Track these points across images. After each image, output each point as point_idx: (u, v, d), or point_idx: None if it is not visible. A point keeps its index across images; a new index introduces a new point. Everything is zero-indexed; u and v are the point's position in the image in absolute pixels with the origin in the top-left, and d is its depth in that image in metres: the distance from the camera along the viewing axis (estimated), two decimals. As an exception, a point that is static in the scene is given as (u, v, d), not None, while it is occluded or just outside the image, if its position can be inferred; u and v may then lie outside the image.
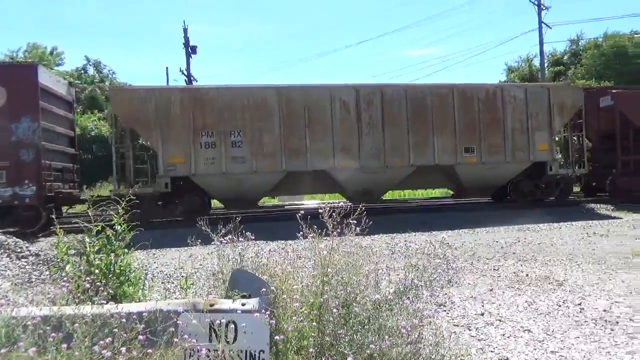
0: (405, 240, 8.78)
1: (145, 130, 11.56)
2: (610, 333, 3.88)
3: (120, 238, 3.32)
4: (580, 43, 36.53)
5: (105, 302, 2.73)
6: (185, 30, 23.68)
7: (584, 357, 3.40)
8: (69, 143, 12.99)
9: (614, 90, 15.11)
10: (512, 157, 13.19)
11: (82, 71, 39.56)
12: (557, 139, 14.21)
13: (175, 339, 2.45)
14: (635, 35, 33.48)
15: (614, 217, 11.77)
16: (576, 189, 16.02)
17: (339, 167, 12.24)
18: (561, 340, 3.73)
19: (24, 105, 10.70)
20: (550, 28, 30.02)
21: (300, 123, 12.06)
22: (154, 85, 12.10)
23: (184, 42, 23.78)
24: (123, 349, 2.27)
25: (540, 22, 27.98)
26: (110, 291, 3.01)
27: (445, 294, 5.10)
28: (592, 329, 3.98)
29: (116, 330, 2.43)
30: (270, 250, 4.84)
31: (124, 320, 2.51)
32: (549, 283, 5.56)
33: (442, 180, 14.10)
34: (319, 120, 12.18)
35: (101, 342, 2.26)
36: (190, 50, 23.69)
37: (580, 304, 4.68)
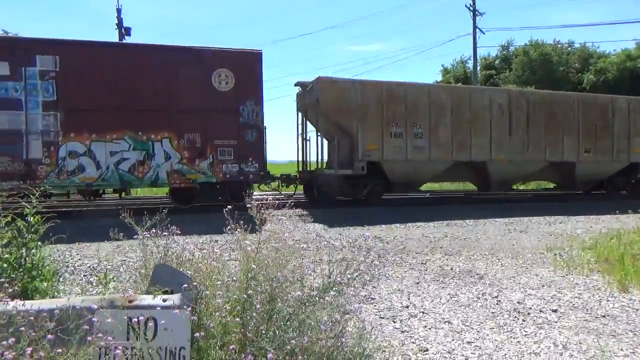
0: (340, 235, 8.91)
1: (347, 119, 12.85)
2: (522, 324, 4.16)
3: (33, 230, 3.11)
4: (510, 49, 38.54)
5: (9, 299, 2.54)
6: (119, 11, 22.52)
7: (497, 346, 3.61)
8: None
9: None
10: (617, 157, 15.88)
11: None
12: None
13: (89, 338, 2.33)
14: (558, 45, 35.82)
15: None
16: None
17: (494, 160, 14.26)
18: (477, 331, 3.94)
19: (249, 89, 11.58)
20: (484, 33, 31.43)
21: (466, 120, 13.96)
22: (356, 78, 13.57)
23: (117, 22, 22.59)
24: (28, 350, 2.13)
25: (475, 27, 29.21)
26: (19, 286, 2.81)
27: (374, 287, 5.24)
28: (506, 320, 4.24)
29: (22, 329, 2.28)
30: (198, 244, 4.75)
31: (32, 318, 2.35)
32: (471, 276, 5.86)
33: (557, 175, 16.28)
34: (480, 119, 14.13)
35: (3, 342, 2.11)
36: (124, 31, 22.53)
37: (497, 297, 4.96)
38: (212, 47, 11.69)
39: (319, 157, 14.15)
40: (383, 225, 10.23)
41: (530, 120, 14.66)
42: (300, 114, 14.65)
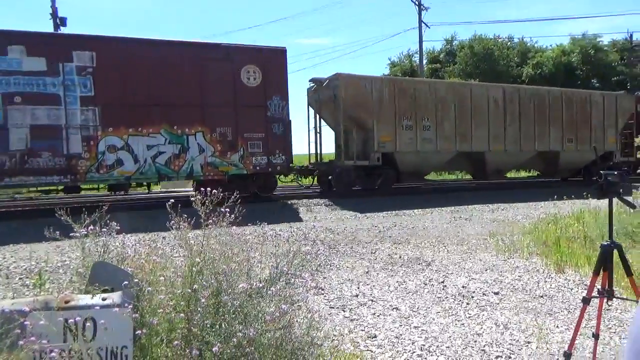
0: (290, 227, 8.89)
1: (365, 113, 13.60)
2: (466, 307, 4.31)
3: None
4: (454, 43, 39.73)
5: None
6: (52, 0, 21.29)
7: (442, 329, 3.73)
8: None
9: None
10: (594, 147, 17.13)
11: None
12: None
13: (21, 342, 2.20)
14: (499, 40, 37.30)
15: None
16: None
17: (491, 150, 15.41)
18: (424, 316, 4.05)
19: (275, 84, 12.07)
20: (429, 27, 32.25)
21: (467, 113, 14.95)
22: (372, 75, 14.43)
23: (51, 12, 21.35)
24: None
25: (420, 21, 29.84)
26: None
27: (325, 277, 5.27)
28: (451, 304, 4.38)
29: (-55, 336, 2.12)
30: (143, 240, 4.59)
31: (-45, 324, 2.19)
32: (419, 264, 6.01)
33: (543, 164, 17.46)
34: (479, 112, 15.13)
35: None
36: (59, 22, 21.33)
37: (443, 282, 5.12)
38: (240, 45, 12.11)
39: (339, 150, 14.67)
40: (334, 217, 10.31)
41: (522, 114, 15.84)
42: (312, 109, 15.29)
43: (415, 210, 11.19)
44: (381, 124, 13.70)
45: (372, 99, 13.60)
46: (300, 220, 10.27)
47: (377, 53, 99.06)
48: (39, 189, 11.05)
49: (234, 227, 3.05)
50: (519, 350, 3.36)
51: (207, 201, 2.94)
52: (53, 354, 2.25)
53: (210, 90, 11.42)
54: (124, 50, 10.76)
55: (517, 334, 3.65)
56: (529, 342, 3.48)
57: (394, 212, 11.03)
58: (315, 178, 15.19)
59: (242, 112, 11.70)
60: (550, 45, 37.11)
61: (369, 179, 14.05)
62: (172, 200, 2.95)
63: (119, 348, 2.43)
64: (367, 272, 5.57)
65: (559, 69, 32.70)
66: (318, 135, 15.17)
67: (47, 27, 22.67)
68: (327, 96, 14.04)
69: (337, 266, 5.88)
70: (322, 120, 15.10)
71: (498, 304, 4.39)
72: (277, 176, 13.19)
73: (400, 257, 6.40)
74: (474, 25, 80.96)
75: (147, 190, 13.12)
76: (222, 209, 2.89)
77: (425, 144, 14.31)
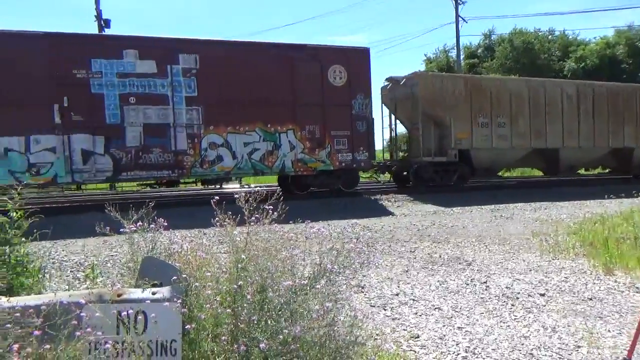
0: (328, 225, 8.89)
1: (442, 111, 13.91)
2: (511, 308, 4.20)
3: (16, 226, 3.03)
4: (492, 38, 38.73)
5: (-5, 296, 2.48)
6: (97, 1, 22.04)
7: (487, 331, 3.64)
8: None
9: None
10: None
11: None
12: None
13: (78, 333, 2.29)
14: (540, 33, 36.13)
15: None
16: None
17: (566, 147, 15.38)
18: (467, 317, 3.97)
19: (359, 83, 12.56)
20: (466, 22, 31.56)
21: (541, 110, 15.00)
22: (450, 73, 15.50)
23: (95, 14, 22.12)
24: (15, 346, 2.08)
25: (457, 15, 29.25)
26: (4, 283, 2.74)
27: (364, 275, 5.25)
28: (495, 305, 4.28)
29: (9, 326, 2.23)
30: (186, 237, 4.69)
31: (18, 315, 2.30)
32: (460, 263, 5.90)
33: (615, 161, 17.13)
34: (553, 109, 15.15)
35: (-11, 340, 2.06)
36: (104, 23, 22.08)
37: (486, 282, 5.01)
38: (328, 45, 12.73)
39: (415, 147, 15.07)
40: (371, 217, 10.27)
41: (595, 109, 15.75)
42: (386, 107, 15.69)
43: (455, 208, 11.00)
44: (458, 121, 13.92)
45: (450, 97, 13.84)
46: (387, 214, 10.66)
47: (413, 49, 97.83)
48: (145, 182, 12.09)
49: (276, 224, 3.07)
50: (569, 355, 3.24)
51: (250, 198, 2.98)
52: (107, 345, 2.34)
53: (300, 90, 11.95)
54: (223, 53, 11.37)
55: (566, 337, 3.53)
56: (579, 347, 3.36)
57: (432, 208, 10.87)
58: (392, 174, 15.60)
59: (329, 111, 12.20)
60: (595, 38, 35.71)
61: (446, 175, 14.32)
62: (217, 197, 3.00)
63: (168, 342, 2.49)
64: (406, 271, 5.52)
65: (604, 62, 31.40)
66: (393, 132, 15.64)
67: (92, 28, 23.47)
68: (404, 94, 14.37)
69: (376, 264, 5.84)
70: (397, 118, 15.40)
71: (544, 306, 4.26)
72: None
73: (440, 256, 6.30)
74: (513, 19, 78.62)
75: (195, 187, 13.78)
76: (266, 206, 2.92)
77: (500, 141, 14.47)
